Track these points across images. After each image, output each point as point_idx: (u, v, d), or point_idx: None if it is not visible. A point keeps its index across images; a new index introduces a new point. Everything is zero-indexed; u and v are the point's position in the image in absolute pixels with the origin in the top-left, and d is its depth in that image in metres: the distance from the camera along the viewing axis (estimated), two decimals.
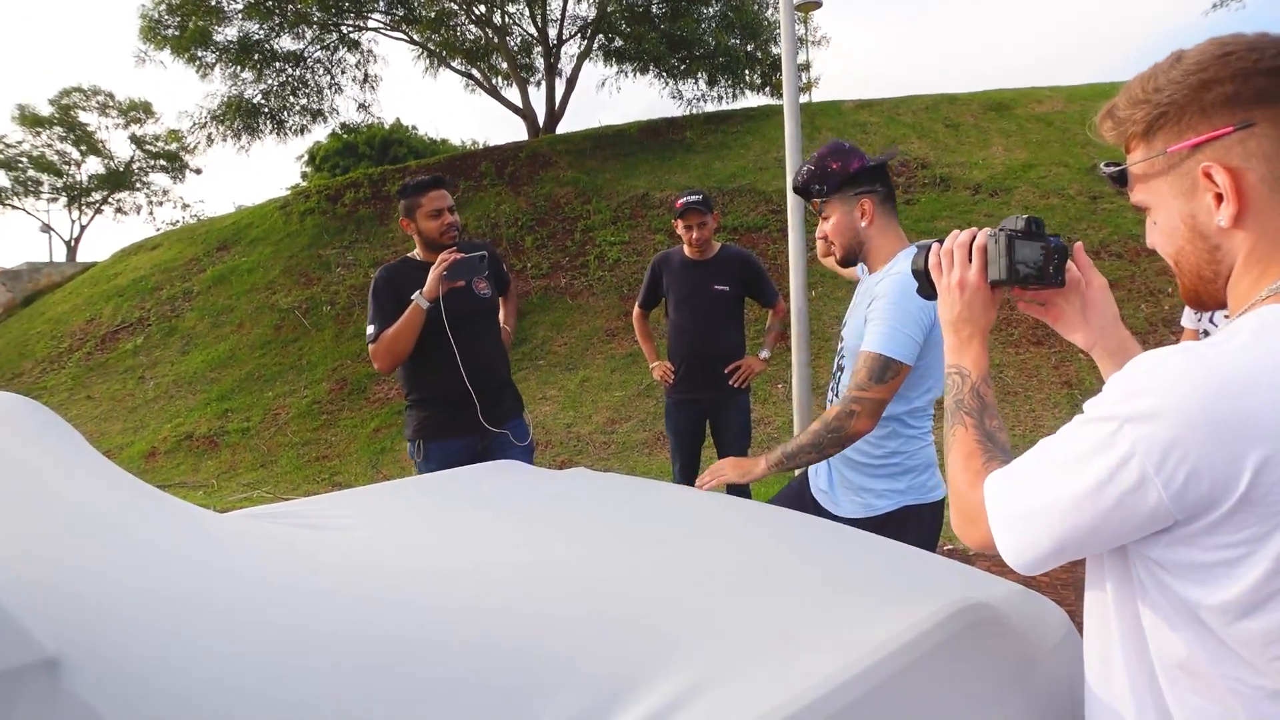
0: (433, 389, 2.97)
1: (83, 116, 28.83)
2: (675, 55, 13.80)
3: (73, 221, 31.84)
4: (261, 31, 13.75)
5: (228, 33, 13.62)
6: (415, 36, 14.75)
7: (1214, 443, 0.70)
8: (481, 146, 20.03)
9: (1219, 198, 0.81)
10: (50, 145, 28.73)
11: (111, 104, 29.08)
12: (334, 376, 9.29)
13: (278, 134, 14.90)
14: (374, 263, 11.06)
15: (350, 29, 14.86)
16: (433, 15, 13.88)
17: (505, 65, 15.42)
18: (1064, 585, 3.69)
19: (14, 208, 29.23)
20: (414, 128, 25.81)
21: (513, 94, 15.65)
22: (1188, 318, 2.47)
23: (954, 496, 0.96)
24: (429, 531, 1.46)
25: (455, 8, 14.12)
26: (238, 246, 12.83)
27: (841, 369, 2.19)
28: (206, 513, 1.35)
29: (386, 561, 1.23)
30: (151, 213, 48.83)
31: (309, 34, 14.32)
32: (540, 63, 15.49)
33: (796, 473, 2.54)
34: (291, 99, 14.78)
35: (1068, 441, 0.81)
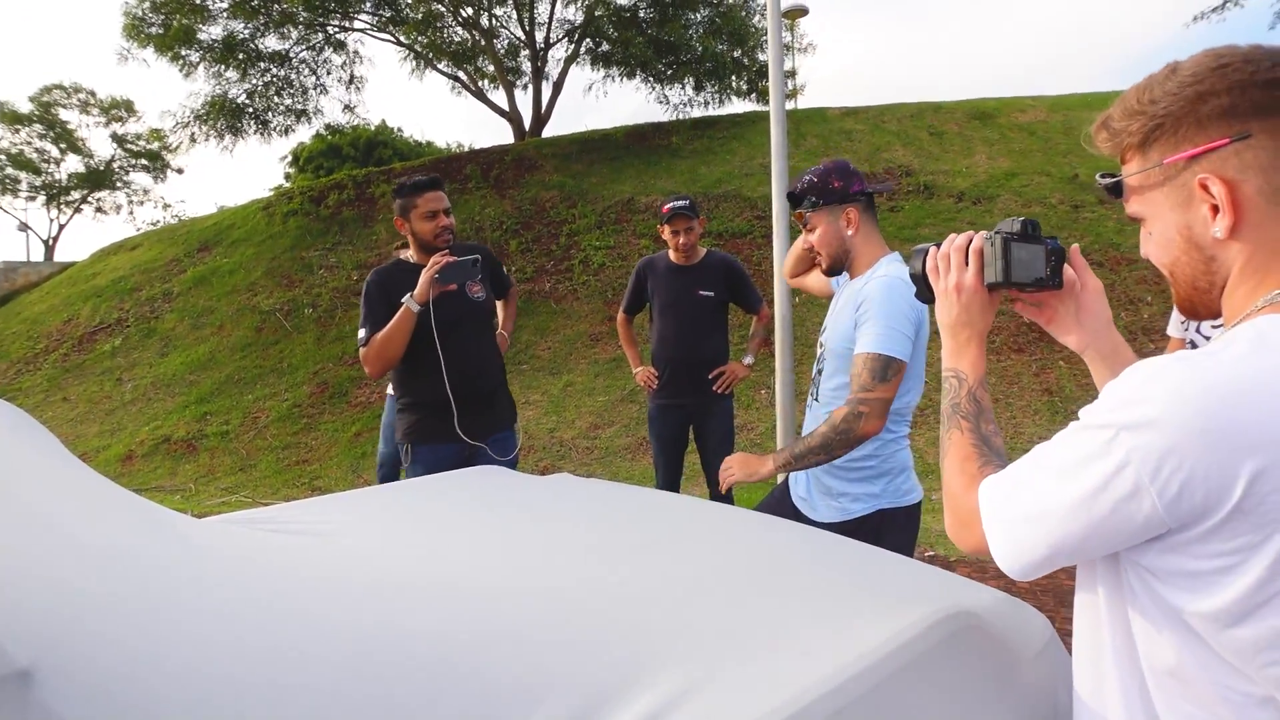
0: (422, 393, 2.94)
1: (63, 114, 28.53)
2: (662, 60, 13.84)
3: (51, 220, 31.50)
4: (246, 31, 13.67)
5: (212, 31, 13.56)
6: (402, 38, 14.71)
7: (1209, 453, 0.71)
8: (467, 149, 19.97)
9: (1215, 209, 0.82)
10: (29, 143, 28.40)
11: (93, 102, 28.80)
12: (315, 380, 9.22)
13: (262, 134, 14.82)
14: (357, 265, 11.00)
15: (336, 29, 14.79)
16: (420, 17, 13.85)
17: (492, 68, 15.40)
18: (1043, 591, 3.71)
19: None
20: (399, 130, 25.72)
21: (499, 97, 15.68)
22: (1174, 326, 2.48)
23: (948, 500, 0.96)
24: (412, 538, 1.44)
25: (442, 9, 14.10)
26: (219, 247, 12.72)
27: (821, 371, 2.23)
28: (184, 518, 1.33)
29: (369, 568, 1.22)
30: (132, 212, 48.28)
31: (294, 34, 14.25)
32: (527, 66, 15.48)
33: (779, 479, 2.55)
34: (276, 99, 14.70)
35: (1063, 448, 0.81)
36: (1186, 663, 0.78)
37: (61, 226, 31.82)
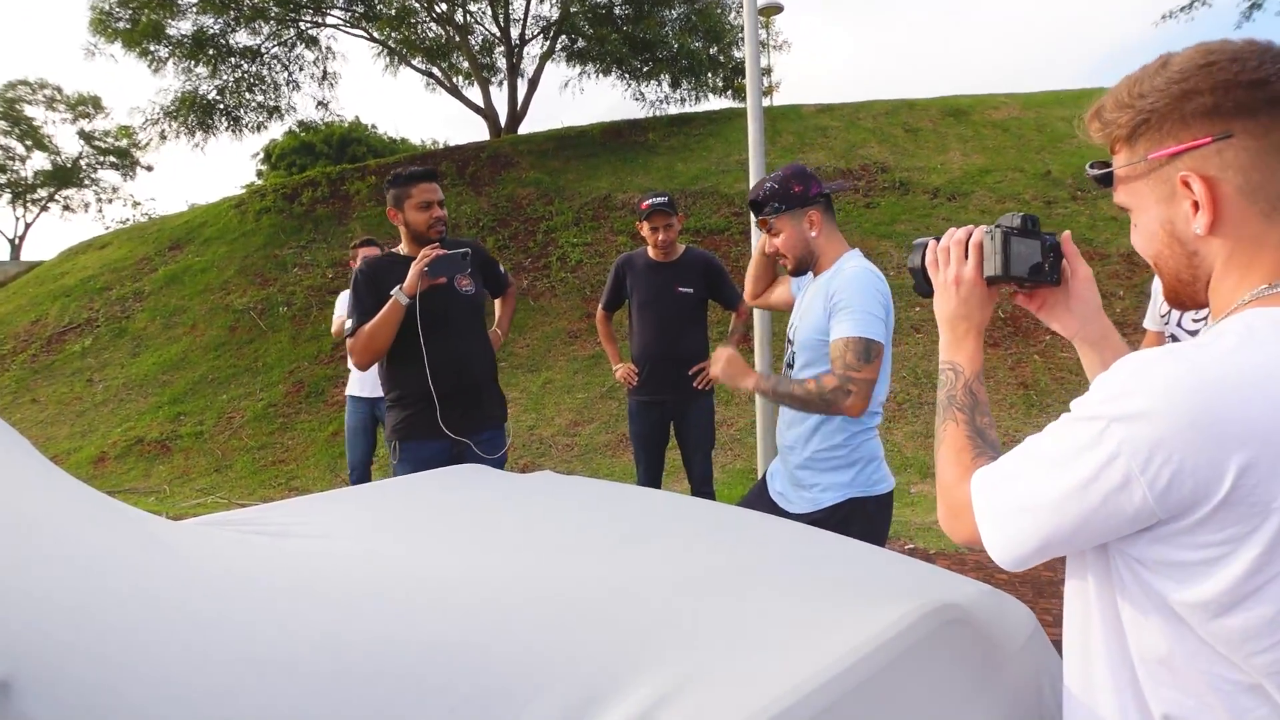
0: (409, 388, 2.91)
1: (29, 110, 27.98)
2: (638, 57, 13.82)
3: (17, 219, 31.00)
4: (217, 26, 13.47)
5: (182, 26, 13.33)
6: (375, 34, 14.57)
7: (1198, 445, 0.72)
8: (442, 146, 19.85)
9: (1196, 205, 0.83)
10: None
11: (59, 98, 28.27)
12: (291, 379, 9.13)
13: (233, 131, 14.61)
14: (332, 263, 10.90)
15: (309, 25, 14.62)
16: (393, 12, 13.72)
17: (467, 64, 15.30)
18: (1021, 583, 3.76)
19: None
20: (373, 126, 25.49)
21: (474, 93, 15.58)
22: (1150, 319, 2.51)
23: (941, 491, 0.97)
24: (395, 539, 1.43)
25: (416, 5, 13.99)
26: (191, 246, 12.54)
27: (791, 365, 2.30)
28: (162, 521, 1.31)
29: (352, 570, 1.20)
30: (100, 210, 47.53)
31: (266, 29, 14.07)
32: (502, 62, 15.40)
33: (759, 474, 2.57)
34: (248, 95, 14.50)
35: (1055, 439, 0.82)
36: (1176, 651, 0.79)
37: (28, 225, 31.26)
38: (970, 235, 1.08)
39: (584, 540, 1.46)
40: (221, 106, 14.23)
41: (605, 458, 6.93)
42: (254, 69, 14.37)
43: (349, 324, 2.87)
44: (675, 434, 3.88)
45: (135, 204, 34.86)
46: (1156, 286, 2.36)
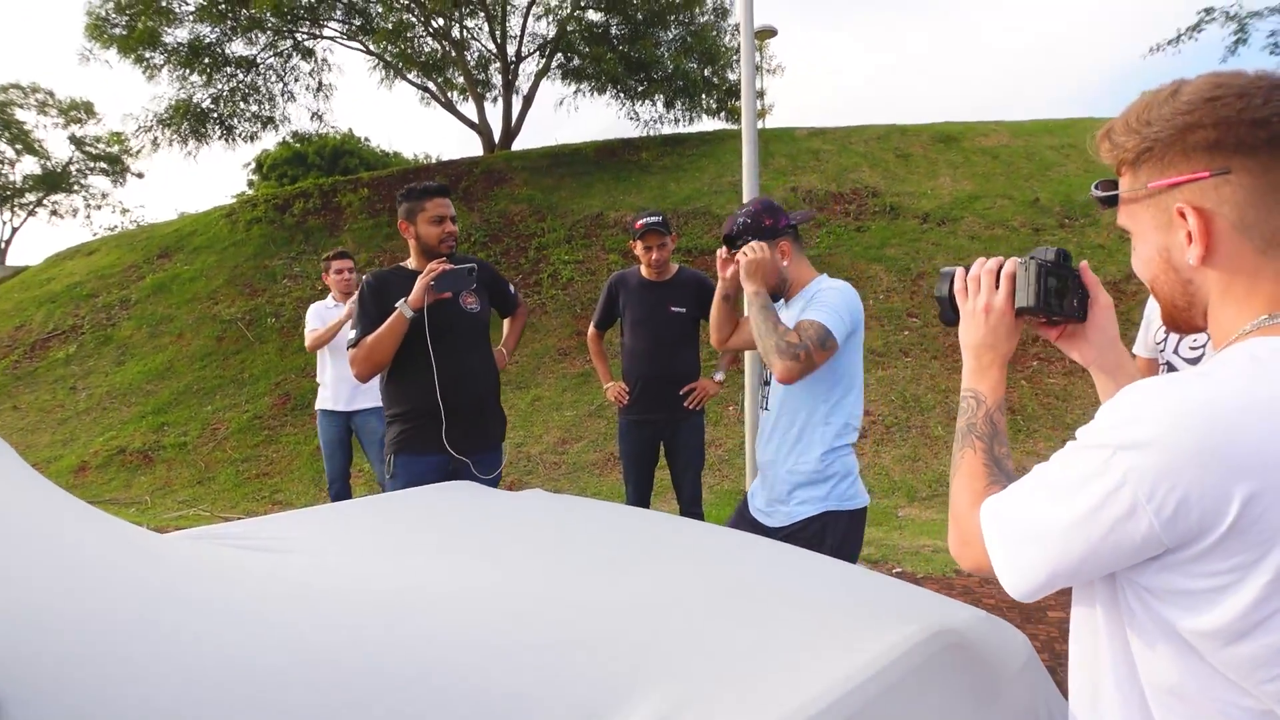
0: (408, 402, 2.89)
1: (19, 114, 27.82)
2: (633, 77, 13.90)
3: (4, 223, 30.68)
4: (213, 35, 13.47)
5: (178, 34, 13.32)
6: (372, 47, 14.60)
7: (1203, 473, 0.72)
8: (435, 161, 19.86)
9: (1190, 236, 0.84)
10: None
11: (51, 102, 28.12)
12: (277, 391, 9.06)
13: (226, 140, 14.58)
14: (322, 275, 10.85)
15: (305, 36, 14.64)
16: (390, 26, 13.76)
17: (462, 80, 15.34)
18: (1009, 608, 3.75)
19: None
20: (366, 139, 25.50)
21: (469, 109, 15.59)
22: (1140, 345, 2.53)
23: (954, 518, 0.97)
24: (384, 556, 1.41)
25: (413, 20, 14.03)
26: (180, 254, 12.48)
27: (768, 383, 2.41)
28: (151, 534, 1.29)
29: (342, 588, 1.18)
30: (89, 216, 47.28)
31: (262, 39, 14.08)
32: (497, 79, 15.45)
33: (746, 488, 2.60)
34: (242, 105, 14.48)
35: (1062, 467, 0.82)
36: (1187, 680, 0.79)
37: (15, 230, 31.02)
38: (1001, 265, 1.09)
39: (578, 560, 1.44)
40: (215, 115, 14.21)
41: (593, 476, 6.91)
42: (249, 79, 14.37)
43: (352, 334, 2.86)
44: (665, 453, 3.87)
45: (124, 211, 34.72)
46: (1149, 312, 2.37)
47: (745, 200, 4.37)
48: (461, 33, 14.67)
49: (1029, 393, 7.14)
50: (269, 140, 24.57)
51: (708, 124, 14.87)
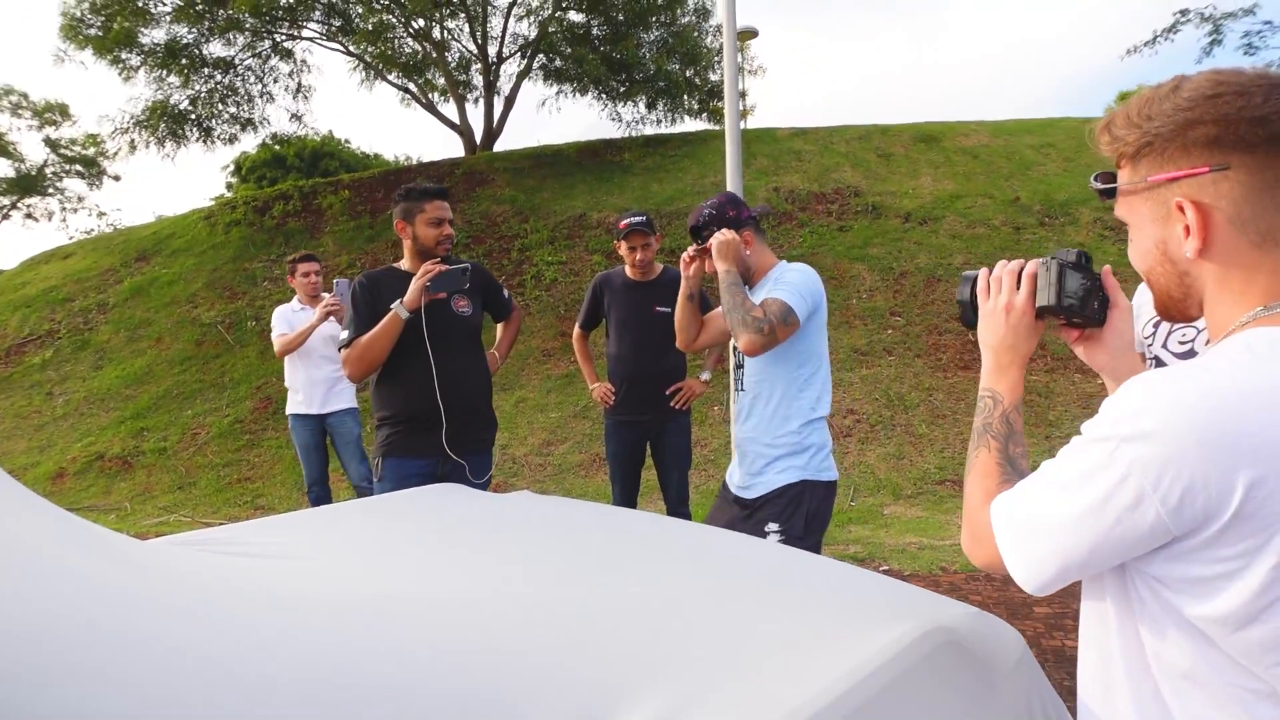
0: (401, 404, 2.88)
1: None
2: (615, 78, 13.88)
3: None
4: (190, 35, 13.32)
5: (154, 35, 13.16)
6: (351, 48, 14.50)
7: (1206, 461, 0.74)
8: (416, 162, 19.75)
9: (1188, 230, 0.86)
10: None
11: (25, 104, 27.71)
12: (258, 395, 8.98)
13: (205, 142, 14.41)
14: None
15: (284, 37, 14.52)
16: (370, 27, 13.66)
17: (443, 81, 15.27)
18: (996, 604, 3.77)
19: None
20: (346, 141, 25.30)
21: (450, 110, 15.53)
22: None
23: (966, 515, 0.98)
24: (372, 560, 1.39)
25: (393, 20, 13.95)
26: (158, 257, 12.34)
27: (742, 366, 2.58)
28: (131, 540, 1.26)
29: (329, 593, 1.17)
30: (65, 220, 46.56)
31: (240, 40, 13.94)
32: (479, 80, 15.39)
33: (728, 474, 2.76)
34: (220, 106, 14.34)
35: (1067, 463, 0.84)
36: (1199, 666, 0.81)
37: None
38: (1023, 266, 1.10)
39: (569, 562, 1.43)
40: (193, 117, 14.05)
41: (579, 477, 6.89)
42: (227, 80, 14.23)
43: (344, 334, 2.84)
44: (652, 453, 3.86)
45: (101, 214, 34.20)
46: (1137, 306, 2.39)
47: None
48: (442, 34, 14.60)
49: None
50: (248, 142, 24.41)
51: (690, 125, 14.95)
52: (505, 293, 3.32)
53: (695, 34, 14.16)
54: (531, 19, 14.58)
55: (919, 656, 1.04)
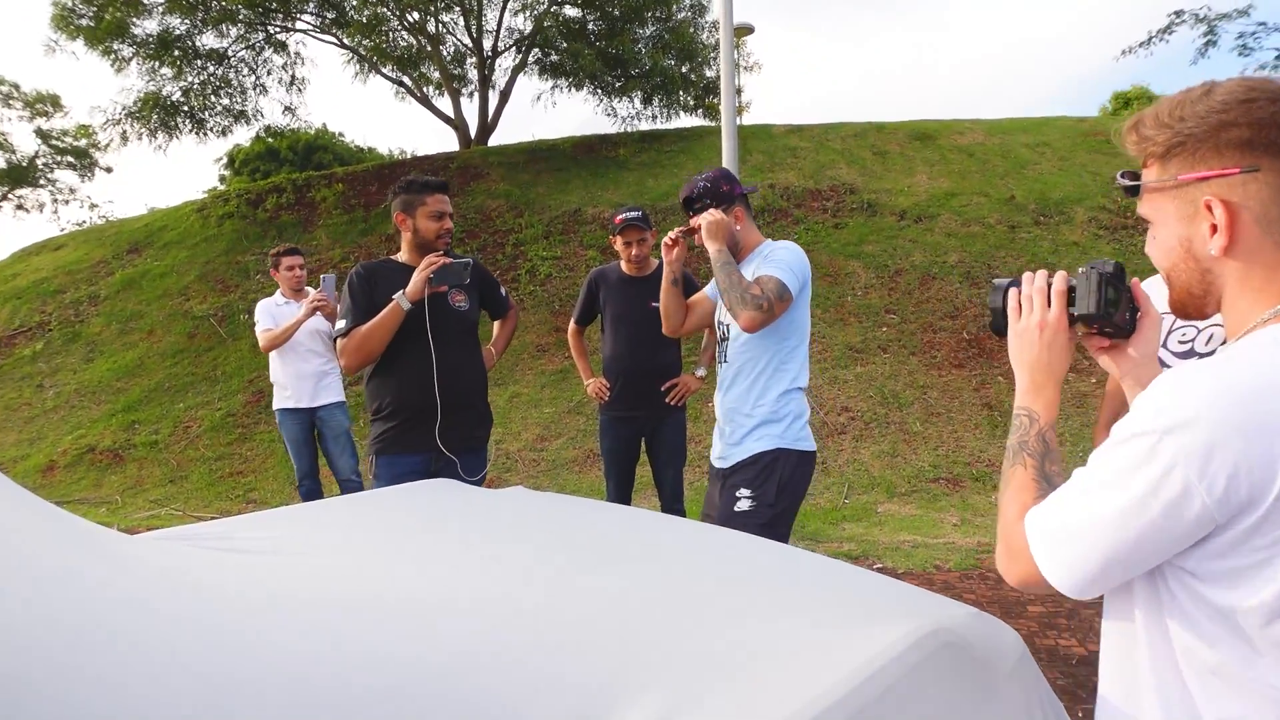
0: (396, 398, 2.85)
1: None
2: (611, 73, 13.84)
3: None
4: (183, 27, 13.23)
5: (147, 26, 13.06)
6: (346, 40, 14.42)
7: (1248, 445, 0.75)
8: (410, 156, 19.68)
9: (1214, 228, 0.89)
10: None
11: (16, 95, 27.48)
12: (250, 388, 8.94)
13: (198, 134, 14.32)
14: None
15: (278, 29, 14.44)
16: (364, 20, 13.60)
17: (438, 74, 15.20)
18: (990, 602, 3.78)
19: None
20: (340, 134, 25.20)
21: (444, 104, 15.46)
22: None
23: (1001, 531, 0.98)
24: (364, 556, 1.37)
25: (388, 13, 13.88)
26: (150, 250, 12.27)
27: (726, 339, 2.63)
28: (119, 535, 1.24)
29: (322, 590, 1.15)
30: (56, 211, 46.30)
31: (234, 32, 13.85)
32: (474, 74, 15.33)
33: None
34: (213, 98, 14.25)
35: (1104, 464, 0.85)
36: (1229, 661, 0.82)
37: None
38: (1051, 282, 1.10)
39: (565, 559, 1.42)
40: (186, 109, 13.96)
41: (572, 473, 6.88)
42: (220, 72, 14.14)
43: (340, 325, 2.81)
44: (647, 450, 3.85)
45: (93, 206, 34.02)
46: None
47: None
48: (437, 27, 14.54)
49: (1005, 388, 7.20)
50: (241, 135, 24.29)
51: (685, 120, 14.86)
52: (502, 290, 3.31)
53: (691, 30, 14.11)
54: (527, 13, 14.53)
55: (920, 658, 1.03)
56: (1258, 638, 0.79)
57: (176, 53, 13.29)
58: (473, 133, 15.09)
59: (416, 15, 14.02)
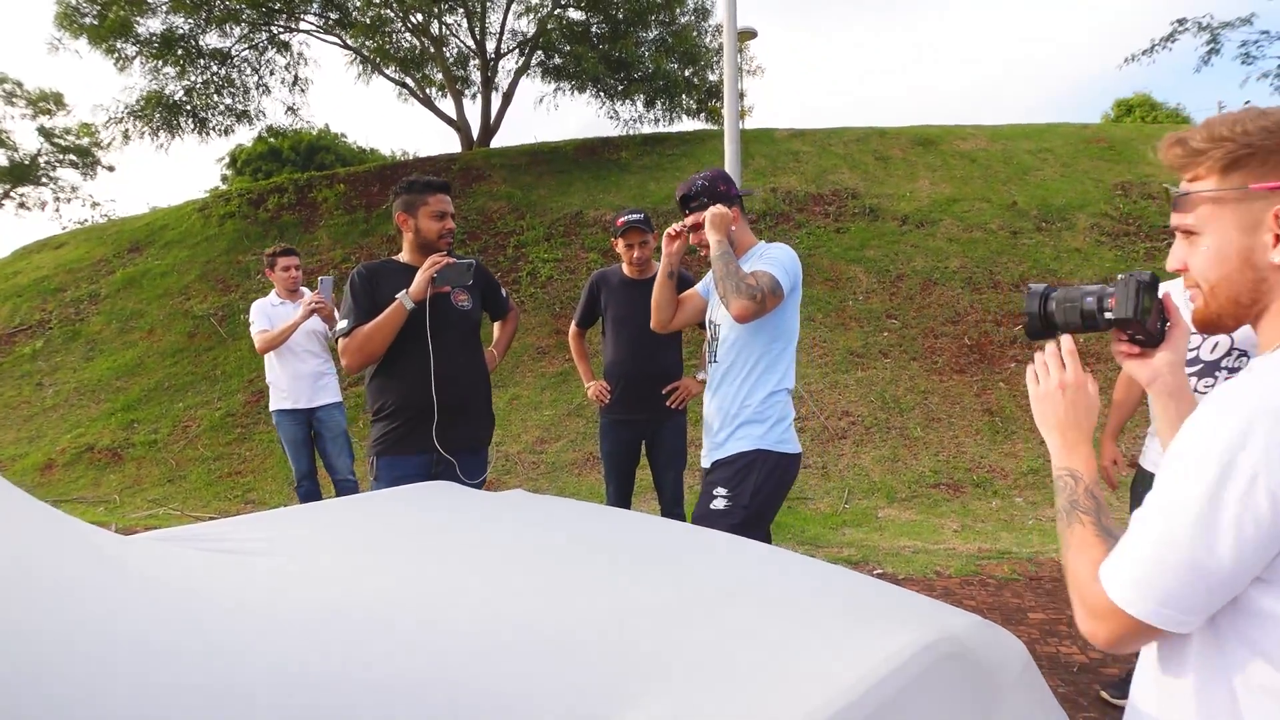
0: (397, 399, 2.83)
1: None
2: (614, 76, 13.84)
3: None
4: (187, 26, 13.23)
5: (151, 25, 13.06)
6: (349, 41, 14.43)
7: None
8: (413, 157, 19.69)
9: (1277, 238, 0.91)
10: None
11: (19, 93, 27.49)
12: (250, 388, 8.92)
13: (200, 133, 14.31)
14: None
15: (281, 29, 14.44)
16: (368, 21, 13.60)
17: (441, 76, 15.21)
18: (990, 609, 3.76)
19: None
20: (343, 135, 25.21)
21: (447, 105, 15.47)
22: None
23: (1078, 593, 0.95)
24: (363, 559, 1.36)
25: (391, 15, 13.89)
26: (151, 249, 12.26)
27: (715, 339, 2.67)
28: (113, 536, 1.23)
29: (319, 592, 1.14)
30: (58, 210, 46.28)
31: (237, 32, 13.86)
32: (476, 76, 15.34)
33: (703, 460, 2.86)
34: (216, 98, 14.24)
35: (1177, 490, 0.84)
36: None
37: None
38: (1059, 346, 1.14)
39: (564, 563, 1.40)
40: (188, 108, 13.96)
41: (572, 476, 6.86)
42: (223, 71, 14.14)
43: (342, 325, 2.79)
44: (647, 453, 3.83)
45: (94, 204, 34.04)
46: None
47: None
48: (440, 29, 14.55)
49: (1007, 394, 7.19)
50: (243, 134, 24.30)
51: (687, 124, 14.90)
52: (504, 292, 3.29)
53: (694, 34, 14.13)
54: (531, 16, 14.55)
55: (924, 667, 1.02)
56: None
57: (180, 52, 13.28)
58: (475, 134, 15.09)
59: (420, 17, 14.03)
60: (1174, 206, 1.00)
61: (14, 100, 27.55)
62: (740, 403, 2.55)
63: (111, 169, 31.41)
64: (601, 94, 14.39)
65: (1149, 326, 1.11)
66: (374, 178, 12.91)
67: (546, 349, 8.75)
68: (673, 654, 1.04)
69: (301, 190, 12.79)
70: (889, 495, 6.07)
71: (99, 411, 8.92)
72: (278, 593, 1.12)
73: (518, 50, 14.96)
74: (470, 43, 14.95)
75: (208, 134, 14.39)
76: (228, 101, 14.40)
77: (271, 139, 20.98)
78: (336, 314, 3.63)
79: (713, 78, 14.27)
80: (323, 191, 12.49)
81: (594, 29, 13.99)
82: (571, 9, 14.16)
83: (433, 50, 14.60)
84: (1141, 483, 2.85)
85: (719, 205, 2.58)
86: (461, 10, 14.23)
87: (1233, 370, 2.55)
